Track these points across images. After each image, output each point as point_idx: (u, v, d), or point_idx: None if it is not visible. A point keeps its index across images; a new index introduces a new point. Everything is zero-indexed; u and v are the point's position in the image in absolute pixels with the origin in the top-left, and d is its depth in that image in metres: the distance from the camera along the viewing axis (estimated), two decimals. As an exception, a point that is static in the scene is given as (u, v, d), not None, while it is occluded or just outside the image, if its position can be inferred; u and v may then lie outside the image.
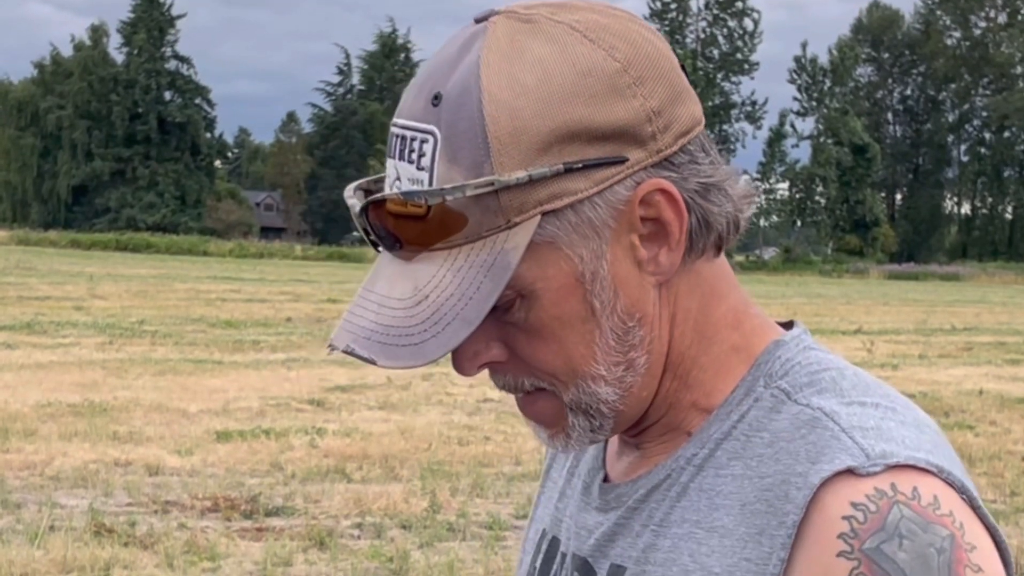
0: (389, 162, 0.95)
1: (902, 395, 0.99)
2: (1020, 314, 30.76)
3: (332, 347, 0.95)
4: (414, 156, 0.93)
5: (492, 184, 0.90)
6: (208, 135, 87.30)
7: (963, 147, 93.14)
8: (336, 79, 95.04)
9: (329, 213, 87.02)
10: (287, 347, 16.64)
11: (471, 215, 0.91)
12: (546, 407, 0.99)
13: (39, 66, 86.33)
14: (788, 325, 1.04)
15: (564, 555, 1.07)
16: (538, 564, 1.11)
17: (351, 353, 0.93)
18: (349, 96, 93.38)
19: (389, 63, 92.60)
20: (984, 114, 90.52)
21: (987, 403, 13.40)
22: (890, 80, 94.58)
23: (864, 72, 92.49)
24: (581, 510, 1.07)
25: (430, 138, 0.92)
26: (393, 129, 0.96)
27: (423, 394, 12.49)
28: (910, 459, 0.89)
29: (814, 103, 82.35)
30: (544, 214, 0.92)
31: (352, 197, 0.98)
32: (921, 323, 25.98)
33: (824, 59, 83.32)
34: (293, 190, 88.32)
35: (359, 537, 7.04)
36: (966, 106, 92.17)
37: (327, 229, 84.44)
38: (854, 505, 0.88)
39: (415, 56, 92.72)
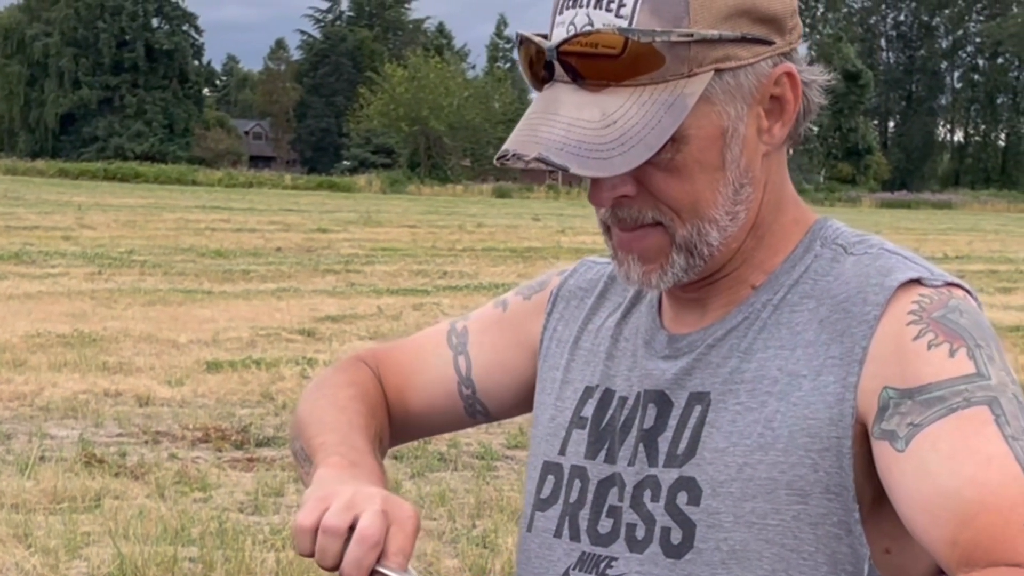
0: (575, 11, 1.12)
1: None
2: (1012, 242, 30.74)
3: (517, 155, 1.10)
4: (613, 6, 1.11)
5: (691, 35, 1.10)
6: (196, 63, 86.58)
7: (956, 74, 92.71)
8: (325, 5, 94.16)
9: (319, 142, 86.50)
10: (277, 277, 16.57)
11: (667, 58, 1.09)
12: (654, 243, 1.17)
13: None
14: None
15: (625, 398, 1.24)
16: (588, 411, 1.27)
17: (544, 160, 1.09)
18: (338, 23, 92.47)
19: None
20: (978, 40, 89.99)
21: (978, 331, 13.41)
22: (883, 5, 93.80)
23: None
24: (646, 360, 1.24)
25: None
26: None
27: (414, 324, 12.45)
28: (958, 282, 1.18)
29: (807, 29, 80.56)
30: (715, 71, 1.11)
31: (534, 37, 1.15)
32: (913, 251, 25.82)
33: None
34: (282, 118, 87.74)
35: (350, 467, 7.01)
36: (960, 32, 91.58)
37: (316, 158, 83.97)
38: (922, 295, 1.15)
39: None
